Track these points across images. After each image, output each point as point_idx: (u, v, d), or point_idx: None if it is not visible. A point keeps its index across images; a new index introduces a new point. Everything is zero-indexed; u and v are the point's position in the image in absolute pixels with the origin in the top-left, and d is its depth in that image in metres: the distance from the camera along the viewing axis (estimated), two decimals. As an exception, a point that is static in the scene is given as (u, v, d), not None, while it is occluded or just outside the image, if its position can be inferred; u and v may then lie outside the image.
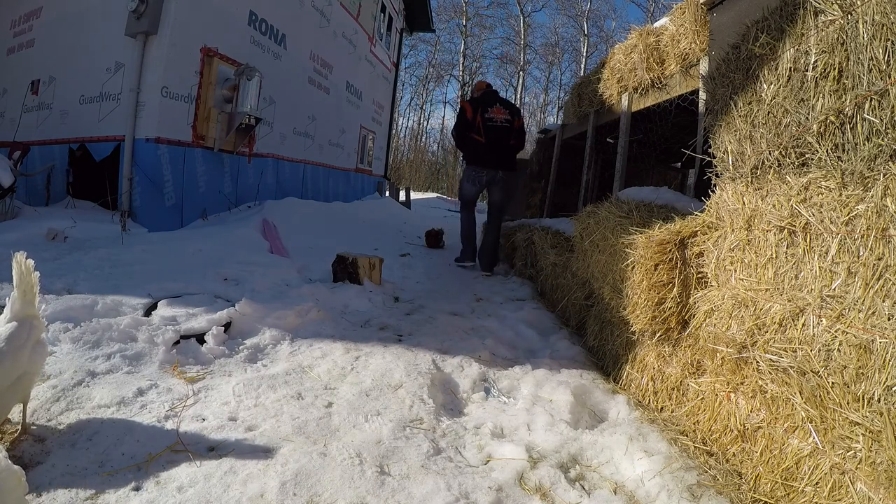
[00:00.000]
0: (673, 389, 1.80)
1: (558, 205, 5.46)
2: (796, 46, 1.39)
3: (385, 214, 7.85)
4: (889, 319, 1.00)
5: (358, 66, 8.84)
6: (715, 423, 1.55)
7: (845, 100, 1.20)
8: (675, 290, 1.75)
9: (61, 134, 4.92)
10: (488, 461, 1.46)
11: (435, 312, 2.96)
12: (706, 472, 1.38)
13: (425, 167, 29.59)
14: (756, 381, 1.38)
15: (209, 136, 4.84)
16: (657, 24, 3.42)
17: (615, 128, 4.07)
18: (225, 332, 2.11)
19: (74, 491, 1.12)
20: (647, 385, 1.93)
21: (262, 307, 2.35)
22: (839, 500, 1.09)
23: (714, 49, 2.46)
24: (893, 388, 0.97)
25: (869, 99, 1.13)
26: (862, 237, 1.10)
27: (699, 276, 1.73)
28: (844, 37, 1.22)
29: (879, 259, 1.05)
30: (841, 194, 1.19)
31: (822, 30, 1.30)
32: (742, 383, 1.46)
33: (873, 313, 1.04)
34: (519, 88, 28.24)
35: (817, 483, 1.15)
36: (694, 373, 1.72)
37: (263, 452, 1.34)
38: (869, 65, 1.14)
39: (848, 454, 1.07)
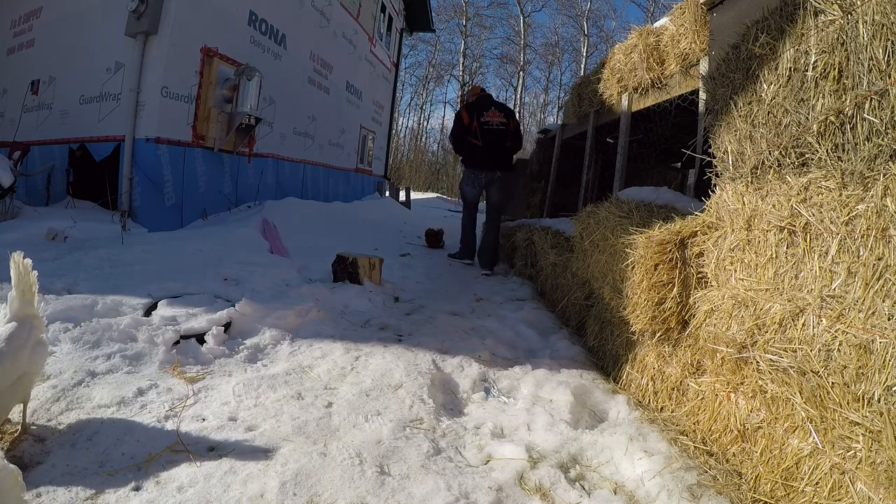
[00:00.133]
0: (673, 389, 1.80)
1: (558, 205, 5.46)
2: (796, 46, 1.39)
3: (385, 214, 7.85)
4: (889, 319, 1.00)
5: (358, 66, 8.84)
6: (715, 423, 1.55)
7: (845, 100, 1.20)
8: (675, 290, 1.75)
9: (61, 134, 4.92)
10: (488, 461, 1.46)
11: (435, 312, 2.96)
12: (706, 472, 1.38)
13: (425, 167, 29.58)
14: (756, 381, 1.38)
15: (209, 136, 4.84)
16: (657, 24, 3.42)
17: (615, 128, 4.07)
18: (225, 332, 2.11)
19: (74, 491, 1.12)
20: (647, 385, 1.93)
21: (262, 307, 2.35)
22: (839, 500, 1.09)
23: (714, 49, 2.46)
24: (893, 388, 0.97)
25: (869, 99, 1.13)
26: (862, 237, 1.10)
27: (699, 276, 1.73)
28: (844, 37, 1.22)
29: (879, 259, 1.05)
30: (841, 194, 1.19)
31: (822, 30, 1.30)
32: (742, 383, 1.46)
33: (873, 313, 1.04)
34: (519, 88, 28.27)
35: (817, 483, 1.15)
36: (694, 373, 1.72)
37: (263, 452, 1.34)
38: (869, 65, 1.14)
39: (848, 454, 1.07)
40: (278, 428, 1.48)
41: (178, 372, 1.76)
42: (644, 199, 2.47)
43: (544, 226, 4.27)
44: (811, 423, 1.19)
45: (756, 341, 1.35)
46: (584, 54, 26.90)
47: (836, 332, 1.11)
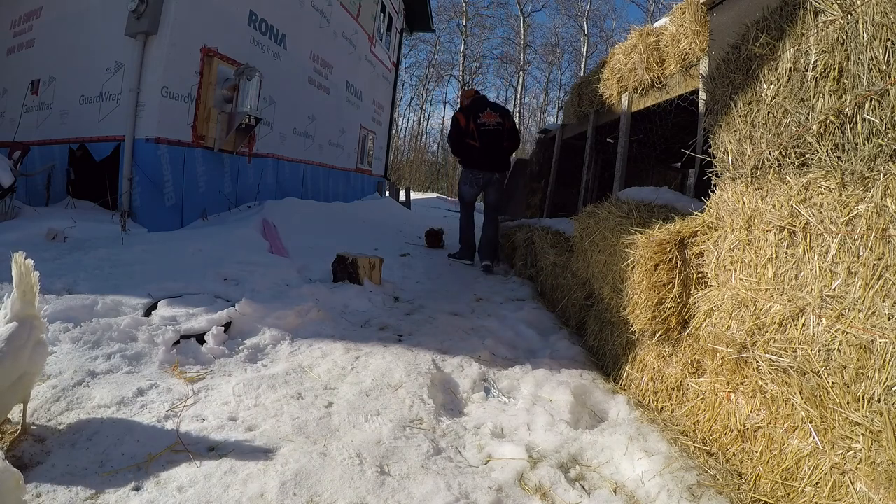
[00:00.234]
0: (673, 389, 1.80)
1: (558, 205, 5.46)
2: (796, 46, 1.39)
3: (385, 214, 7.85)
4: (889, 319, 1.00)
5: (358, 66, 8.84)
6: (715, 423, 1.55)
7: (845, 100, 1.20)
8: (675, 290, 1.75)
9: (61, 134, 4.92)
10: (488, 461, 1.46)
11: (435, 312, 2.96)
12: (706, 472, 1.38)
13: (425, 167, 29.58)
14: (756, 381, 1.38)
15: (209, 136, 4.84)
16: (657, 24, 3.42)
17: (615, 128, 4.07)
18: (225, 332, 2.11)
19: (74, 491, 1.12)
20: (647, 385, 1.93)
21: (262, 307, 2.35)
22: (839, 500, 1.09)
23: (714, 49, 2.46)
24: (893, 388, 0.97)
25: (869, 99, 1.13)
26: (862, 237, 1.10)
27: (699, 276, 1.73)
28: (844, 37, 1.22)
29: (879, 259, 1.05)
30: (841, 194, 1.19)
31: (822, 30, 1.30)
32: (742, 383, 1.46)
33: (873, 313, 1.04)
34: (519, 88, 28.27)
35: (817, 483, 1.15)
36: (694, 373, 1.72)
37: (263, 452, 1.34)
38: (869, 65, 1.14)
39: (848, 454, 1.07)
40: (278, 428, 1.48)
41: (178, 372, 1.76)
42: (644, 199, 2.47)
43: (544, 226, 4.27)
44: (811, 423, 1.19)
45: (756, 341, 1.35)
46: (584, 54, 26.90)
47: (836, 332, 1.11)
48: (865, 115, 1.14)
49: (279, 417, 1.54)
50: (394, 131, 21.60)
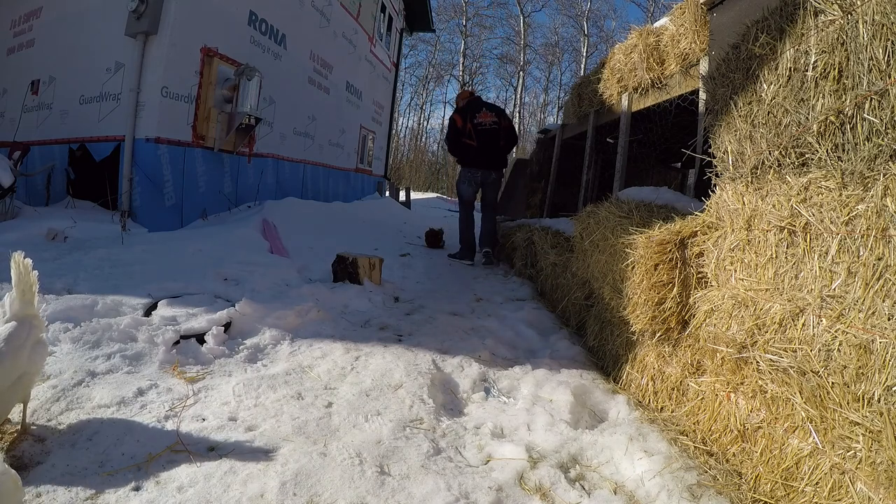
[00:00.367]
0: (673, 389, 1.80)
1: (558, 205, 5.46)
2: (796, 46, 1.39)
3: (385, 214, 7.85)
4: (889, 319, 1.00)
5: (358, 66, 8.84)
6: (715, 423, 1.55)
7: (845, 100, 1.20)
8: (675, 290, 1.75)
9: (61, 134, 4.91)
10: (488, 461, 1.46)
11: (435, 312, 2.96)
12: (706, 472, 1.38)
13: (425, 167, 29.57)
14: (756, 381, 1.38)
15: (209, 136, 4.84)
16: (657, 24, 3.42)
17: (615, 128, 4.07)
18: (225, 332, 2.11)
19: (74, 491, 1.12)
20: (647, 385, 1.93)
21: (262, 307, 2.35)
22: (839, 500, 1.09)
23: (714, 49, 2.46)
24: (893, 388, 0.97)
25: (869, 99, 1.13)
26: (862, 237, 1.10)
27: (699, 276, 1.73)
28: (844, 37, 1.22)
29: (879, 259, 1.05)
30: (841, 194, 1.19)
31: (822, 30, 1.30)
32: (742, 383, 1.46)
33: (873, 313, 1.04)
34: (519, 88, 28.27)
35: (817, 483, 1.15)
36: (694, 373, 1.72)
37: (263, 452, 1.34)
38: (869, 65, 1.14)
39: (848, 454, 1.07)
40: (278, 428, 1.48)
41: (178, 372, 1.76)
42: (644, 199, 2.47)
43: (544, 226, 4.27)
44: (811, 423, 1.19)
45: (756, 341, 1.35)
46: (584, 54, 26.90)
47: (836, 332, 1.11)
48: (865, 115, 1.14)
49: (279, 417, 1.54)
50: (394, 131, 21.61)
